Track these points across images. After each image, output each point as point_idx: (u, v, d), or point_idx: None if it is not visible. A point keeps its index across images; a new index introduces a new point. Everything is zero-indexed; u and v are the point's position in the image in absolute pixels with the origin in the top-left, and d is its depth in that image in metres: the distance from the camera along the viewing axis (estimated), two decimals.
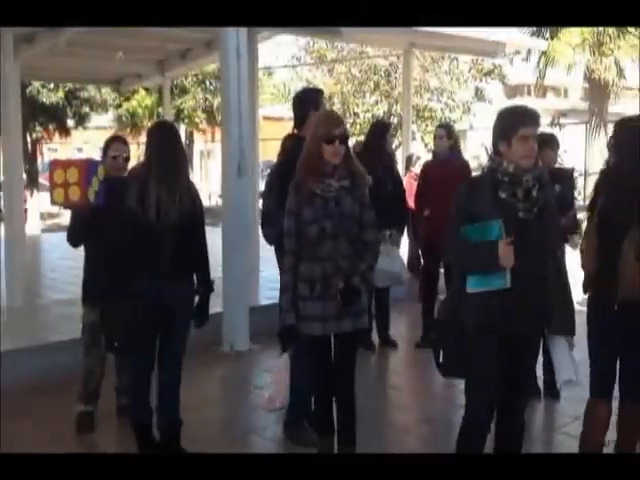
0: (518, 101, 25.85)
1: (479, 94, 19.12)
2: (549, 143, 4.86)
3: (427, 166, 6.73)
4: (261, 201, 4.70)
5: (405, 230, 6.58)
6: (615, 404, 3.63)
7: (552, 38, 17.12)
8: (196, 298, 4.05)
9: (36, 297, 7.90)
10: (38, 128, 18.39)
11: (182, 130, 23.48)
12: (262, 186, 8.80)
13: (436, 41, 9.90)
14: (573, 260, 3.78)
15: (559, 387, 3.72)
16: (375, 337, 6.51)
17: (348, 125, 17.22)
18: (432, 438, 4.55)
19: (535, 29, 17.38)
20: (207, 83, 20.95)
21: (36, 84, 16.41)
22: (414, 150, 10.65)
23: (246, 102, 6.48)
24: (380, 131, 6.32)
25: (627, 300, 3.36)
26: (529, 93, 32.22)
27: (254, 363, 6.18)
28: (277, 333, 3.59)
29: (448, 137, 6.40)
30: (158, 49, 10.17)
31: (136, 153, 13.55)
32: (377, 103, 18.31)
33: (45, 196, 5.06)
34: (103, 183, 4.03)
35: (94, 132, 23.68)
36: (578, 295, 3.70)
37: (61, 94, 17.33)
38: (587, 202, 3.78)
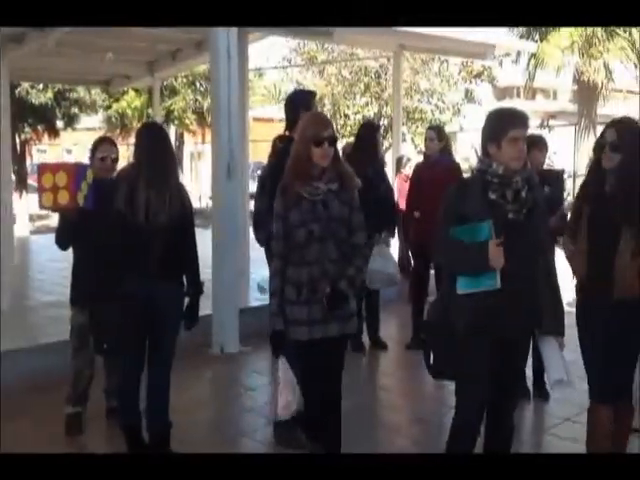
0: (508, 103, 25.99)
1: (469, 96, 19.18)
2: (537, 145, 4.87)
3: (418, 168, 6.75)
4: (252, 203, 4.69)
5: (395, 231, 6.59)
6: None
7: (541, 40, 17.19)
8: (186, 300, 4.04)
9: (24, 299, 7.86)
10: (27, 129, 18.30)
11: (172, 131, 23.44)
12: (252, 187, 8.82)
13: (426, 43, 9.93)
14: (563, 261, 3.79)
15: (550, 387, 3.72)
16: (365, 339, 6.51)
17: (338, 127, 17.26)
18: (422, 439, 4.55)
19: (524, 31, 17.46)
20: (197, 84, 20.92)
21: (25, 85, 16.34)
22: (404, 152, 10.67)
23: (236, 103, 6.47)
24: (370, 132, 6.32)
25: (622, 300, 3.37)
26: (518, 95, 32.39)
27: (244, 365, 6.17)
28: (269, 338, 3.57)
29: (439, 139, 6.42)
30: (148, 50, 10.16)
31: (125, 154, 13.50)
32: (367, 105, 18.33)
33: (34, 197, 5.05)
34: (92, 186, 4.01)
35: (83, 133, 23.59)
36: (568, 296, 3.72)
37: (50, 95, 17.26)
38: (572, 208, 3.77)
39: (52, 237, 4.50)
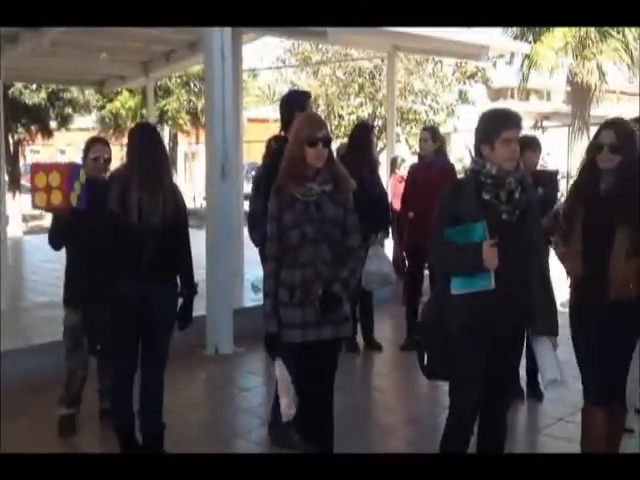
0: (501, 104, 26.04)
1: (463, 97, 19.21)
2: (531, 146, 4.88)
3: (413, 168, 6.76)
4: (246, 203, 4.69)
5: (390, 232, 6.61)
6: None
7: (535, 42, 17.22)
8: (180, 300, 4.04)
9: (18, 300, 7.84)
10: (20, 129, 18.25)
11: (166, 132, 23.41)
12: (247, 188, 8.81)
13: (420, 44, 9.94)
14: (556, 261, 3.80)
15: (544, 387, 3.74)
16: (359, 339, 6.51)
17: (333, 127, 17.27)
18: (416, 439, 4.55)
19: (518, 32, 17.50)
20: (191, 85, 20.89)
21: (18, 85, 16.30)
22: (399, 152, 10.68)
23: (230, 104, 6.47)
24: (363, 132, 6.33)
25: (617, 300, 3.39)
26: (512, 96, 32.43)
27: (238, 366, 6.17)
28: (263, 341, 3.54)
29: (433, 140, 6.43)
30: (142, 50, 10.14)
31: (119, 155, 13.50)
32: (362, 105, 18.34)
33: (27, 198, 5.04)
34: (85, 186, 4.00)
35: (77, 134, 23.53)
36: (561, 296, 3.73)
37: (44, 95, 17.22)
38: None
39: (45, 238, 4.49)
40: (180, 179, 26.51)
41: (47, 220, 4.72)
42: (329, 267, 3.39)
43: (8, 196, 13.94)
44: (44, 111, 17.75)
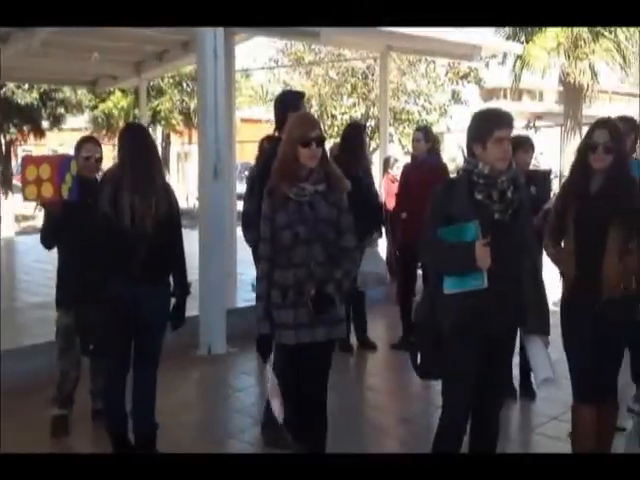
0: (494, 104, 26.06)
1: (456, 97, 19.22)
2: (523, 146, 4.89)
3: (406, 168, 6.78)
4: (239, 203, 4.69)
5: (383, 232, 6.63)
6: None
7: (527, 42, 17.26)
8: (173, 300, 4.03)
9: (10, 300, 7.80)
10: (12, 129, 18.18)
11: (159, 132, 23.38)
12: (239, 188, 8.80)
13: (413, 44, 9.95)
14: (547, 260, 3.82)
15: (537, 386, 3.75)
16: (353, 339, 6.51)
17: (326, 127, 17.26)
18: (409, 439, 4.56)
19: (510, 33, 17.54)
20: (184, 85, 20.86)
21: (10, 85, 16.24)
22: (391, 152, 10.69)
23: (223, 104, 6.46)
24: (356, 132, 6.34)
25: (610, 300, 3.40)
26: (505, 96, 32.51)
27: (231, 366, 6.16)
28: (256, 343, 3.51)
29: (425, 140, 6.45)
30: (134, 50, 10.12)
31: (111, 155, 13.46)
32: (354, 105, 18.35)
33: (19, 198, 5.01)
34: (77, 180, 3.98)
35: (69, 134, 23.42)
36: (554, 296, 3.74)
37: (36, 95, 17.16)
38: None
39: (38, 238, 4.47)
40: (173, 179, 26.45)
41: (39, 220, 4.71)
42: (322, 268, 3.37)
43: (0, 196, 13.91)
44: (36, 111, 17.69)
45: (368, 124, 16.74)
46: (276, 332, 3.41)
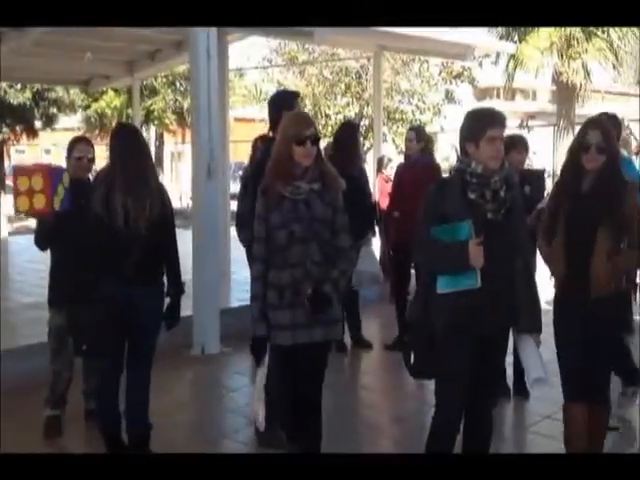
0: (487, 103, 26.08)
1: (449, 96, 19.24)
2: (517, 146, 4.90)
3: (399, 168, 6.81)
4: (233, 203, 4.68)
5: (377, 231, 6.65)
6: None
7: (520, 41, 17.29)
8: (167, 300, 4.02)
9: (3, 300, 7.78)
10: (5, 129, 18.13)
11: (152, 131, 23.34)
12: (233, 188, 8.78)
13: (406, 43, 9.96)
14: (540, 259, 3.83)
15: (530, 386, 3.77)
16: (347, 339, 6.51)
17: (320, 127, 17.25)
18: (403, 438, 4.56)
19: (503, 32, 17.57)
20: (177, 84, 20.83)
21: (3, 84, 16.18)
22: (385, 152, 10.69)
23: (216, 103, 6.46)
24: (349, 131, 6.35)
25: (598, 299, 3.42)
26: (498, 96, 32.55)
27: (225, 366, 6.15)
28: (249, 346, 3.48)
29: (418, 140, 6.47)
30: (127, 50, 10.09)
31: (105, 154, 13.42)
32: (348, 105, 18.35)
33: (12, 199, 4.98)
34: (69, 189, 3.96)
35: (62, 133, 23.38)
36: (547, 295, 3.76)
37: (28, 95, 17.12)
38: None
39: (31, 238, 4.47)
40: (166, 179, 26.41)
41: (33, 221, 4.69)
42: (319, 267, 3.35)
43: None
44: (29, 111, 17.65)
45: (362, 123, 16.75)
46: (272, 333, 3.37)
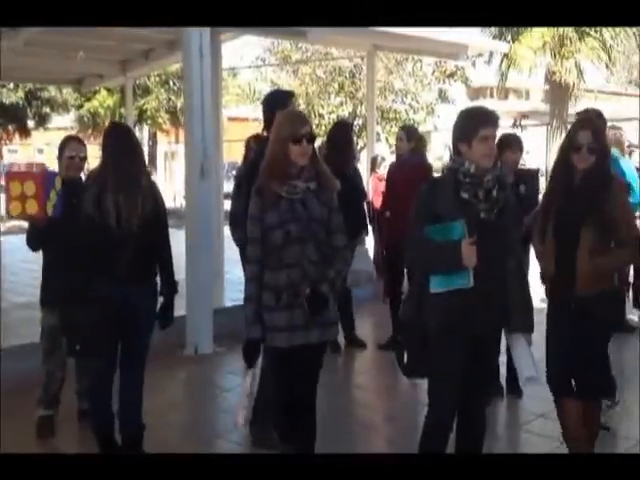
0: (481, 103, 26.13)
1: (442, 96, 19.28)
2: (511, 145, 4.90)
3: (391, 167, 6.82)
4: (226, 202, 4.67)
5: (370, 230, 6.66)
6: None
7: (513, 41, 17.35)
8: (160, 300, 4.01)
9: None
10: None
11: (145, 131, 23.30)
12: (227, 188, 8.77)
13: (400, 43, 9.96)
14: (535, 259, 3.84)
15: (522, 384, 3.78)
16: (340, 339, 6.50)
17: (313, 126, 17.25)
18: (397, 437, 4.56)
19: (497, 32, 17.61)
20: (170, 83, 20.82)
21: None
22: (379, 151, 10.70)
23: (209, 103, 6.44)
24: (343, 131, 6.34)
25: (583, 298, 3.44)
26: (491, 95, 32.64)
27: (218, 366, 6.14)
28: (242, 349, 3.42)
29: (407, 139, 6.48)
30: (120, 49, 10.06)
31: (98, 154, 13.40)
32: (342, 104, 18.36)
33: (3, 198, 4.97)
34: (61, 193, 3.95)
35: (55, 133, 23.33)
36: (542, 293, 3.78)
37: (21, 94, 17.11)
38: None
39: (24, 237, 4.44)
40: (160, 178, 26.37)
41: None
42: (316, 267, 3.31)
43: None
44: (21, 110, 17.65)
45: (355, 123, 16.76)
46: (268, 335, 3.32)
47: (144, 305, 3.89)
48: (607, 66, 18.03)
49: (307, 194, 3.33)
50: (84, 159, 4.46)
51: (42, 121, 19.03)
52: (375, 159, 9.29)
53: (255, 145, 4.44)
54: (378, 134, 15.37)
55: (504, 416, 5.01)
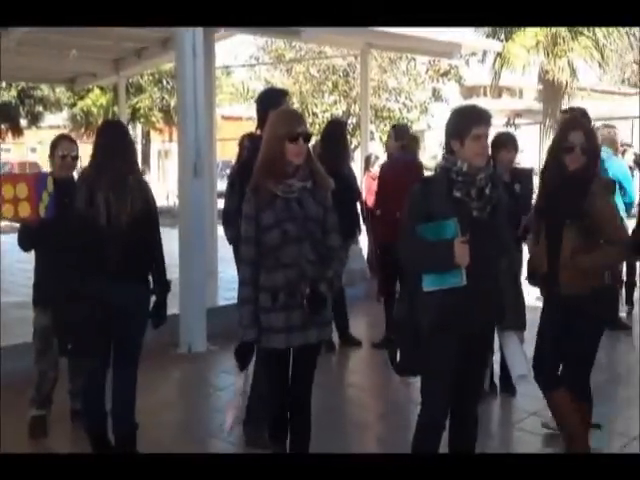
0: (474, 101, 26.14)
1: (436, 95, 19.29)
2: (506, 144, 4.90)
3: (383, 166, 6.84)
4: (220, 201, 4.67)
5: (363, 229, 6.66)
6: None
7: (507, 40, 17.39)
8: (153, 299, 4.00)
9: None
10: None
11: (139, 129, 23.25)
12: (220, 186, 8.76)
13: (393, 42, 9.96)
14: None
15: (514, 382, 3.80)
16: (334, 338, 6.51)
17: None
18: (391, 436, 4.57)
19: (490, 31, 17.65)
20: (164, 82, 20.79)
21: None
22: (372, 150, 10.71)
23: (203, 101, 6.43)
24: (338, 129, 6.35)
25: (567, 297, 3.48)
26: (485, 94, 32.65)
27: (212, 364, 6.14)
28: (234, 351, 3.38)
29: (395, 138, 6.52)
30: (113, 48, 10.04)
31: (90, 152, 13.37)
32: (336, 103, 18.37)
33: None
34: (53, 194, 3.95)
35: (48, 132, 23.23)
36: (537, 292, 3.80)
37: (14, 93, 17.06)
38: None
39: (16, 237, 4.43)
40: (153, 177, 26.34)
41: None
42: (313, 266, 3.28)
43: None
44: (14, 109, 17.60)
45: (349, 122, 16.75)
46: (264, 336, 3.29)
47: (137, 304, 3.88)
48: (600, 65, 18.09)
49: (303, 193, 3.30)
50: (76, 158, 4.45)
51: (35, 120, 18.99)
52: (369, 158, 9.29)
53: (249, 144, 4.42)
54: (372, 133, 15.38)
55: (497, 414, 5.03)
